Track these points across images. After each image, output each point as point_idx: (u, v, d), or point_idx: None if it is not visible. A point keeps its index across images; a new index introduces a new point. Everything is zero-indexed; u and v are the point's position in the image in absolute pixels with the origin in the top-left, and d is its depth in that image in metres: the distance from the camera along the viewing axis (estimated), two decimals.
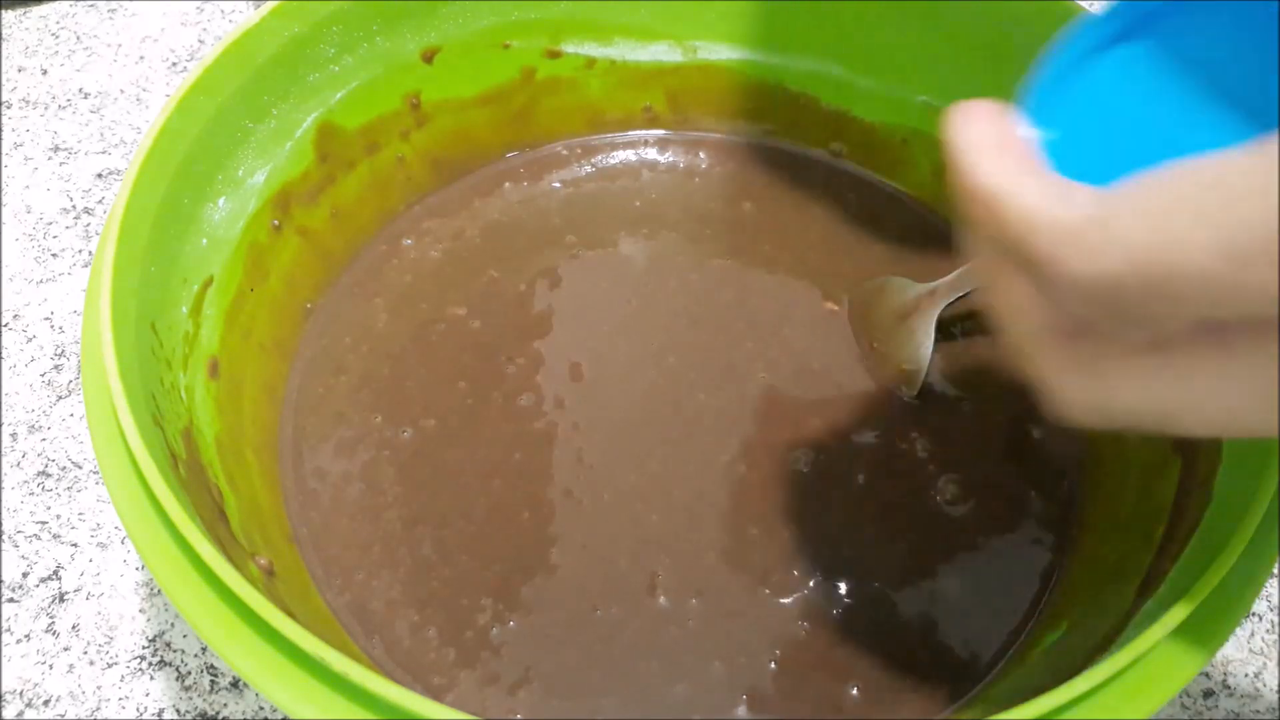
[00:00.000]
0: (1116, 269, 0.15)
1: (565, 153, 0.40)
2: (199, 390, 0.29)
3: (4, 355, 0.38)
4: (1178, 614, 0.20)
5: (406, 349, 0.35)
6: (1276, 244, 0.14)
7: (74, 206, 0.42)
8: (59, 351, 0.38)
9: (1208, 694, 0.31)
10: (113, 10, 0.50)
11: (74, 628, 0.32)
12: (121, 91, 0.47)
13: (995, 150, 0.18)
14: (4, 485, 0.35)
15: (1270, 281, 0.14)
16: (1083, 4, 0.34)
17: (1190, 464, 0.26)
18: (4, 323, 0.39)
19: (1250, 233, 0.14)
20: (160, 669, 0.31)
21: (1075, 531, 0.31)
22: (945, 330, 0.34)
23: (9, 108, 0.46)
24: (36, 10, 0.50)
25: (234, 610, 0.20)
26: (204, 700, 0.31)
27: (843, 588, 0.30)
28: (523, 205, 0.39)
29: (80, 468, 0.35)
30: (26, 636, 0.32)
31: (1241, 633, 0.32)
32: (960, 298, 0.34)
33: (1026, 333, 0.18)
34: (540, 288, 0.36)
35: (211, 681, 0.31)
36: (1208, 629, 0.21)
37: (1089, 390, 0.18)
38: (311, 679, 0.20)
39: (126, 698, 0.31)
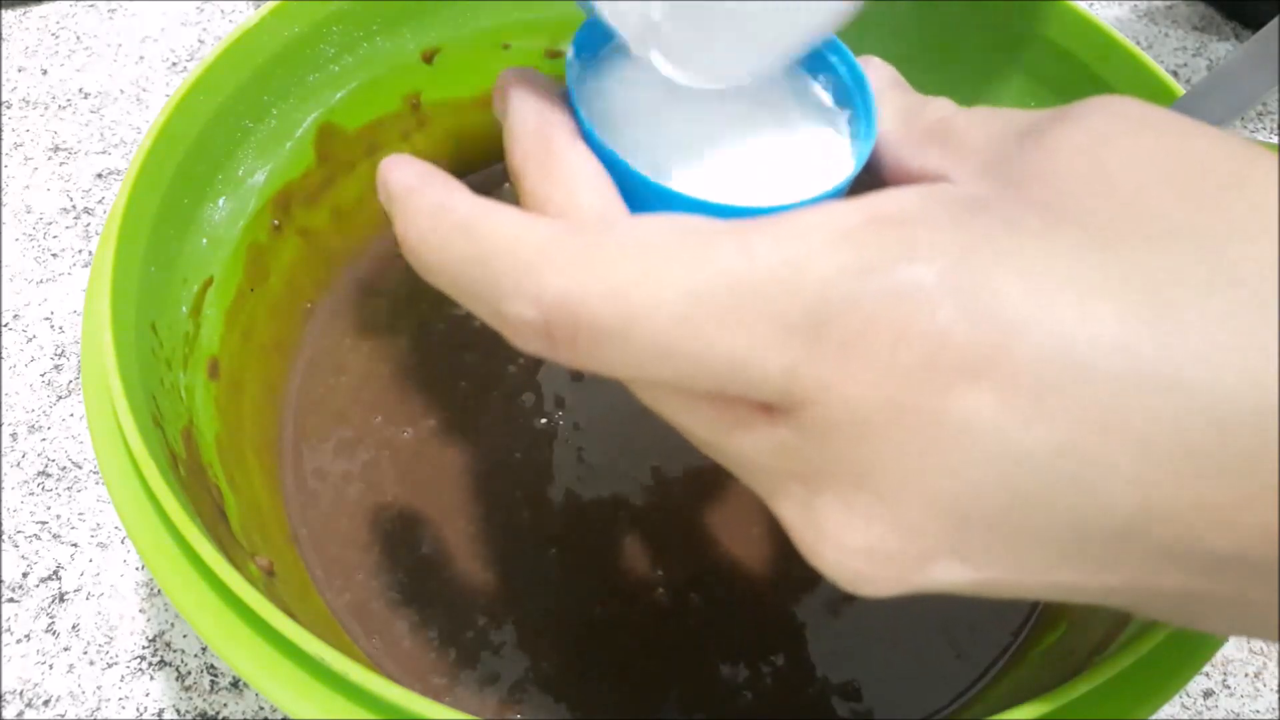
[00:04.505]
0: (597, 288, 0.14)
1: None
2: (199, 390, 0.29)
3: (4, 355, 0.38)
4: None
5: (406, 349, 0.35)
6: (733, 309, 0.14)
7: (74, 206, 0.42)
8: (59, 351, 0.38)
9: (1208, 694, 0.31)
10: (113, 10, 0.50)
11: (74, 628, 0.32)
12: (121, 91, 0.47)
13: (444, 185, 0.17)
14: (4, 485, 0.35)
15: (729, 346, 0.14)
16: (1081, 4, 0.34)
17: None
18: (4, 323, 0.39)
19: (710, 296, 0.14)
20: (160, 669, 0.31)
21: None
22: None
23: (9, 108, 0.46)
24: (36, 10, 0.50)
25: (234, 610, 0.20)
26: (204, 700, 0.31)
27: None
28: None
29: (80, 468, 0.35)
30: (26, 636, 0.32)
31: None
32: None
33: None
34: None
35: (211, 681, 0.31)
36: None
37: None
38: (311, 679, 0.20)
39: (126, 698, 0.31)
